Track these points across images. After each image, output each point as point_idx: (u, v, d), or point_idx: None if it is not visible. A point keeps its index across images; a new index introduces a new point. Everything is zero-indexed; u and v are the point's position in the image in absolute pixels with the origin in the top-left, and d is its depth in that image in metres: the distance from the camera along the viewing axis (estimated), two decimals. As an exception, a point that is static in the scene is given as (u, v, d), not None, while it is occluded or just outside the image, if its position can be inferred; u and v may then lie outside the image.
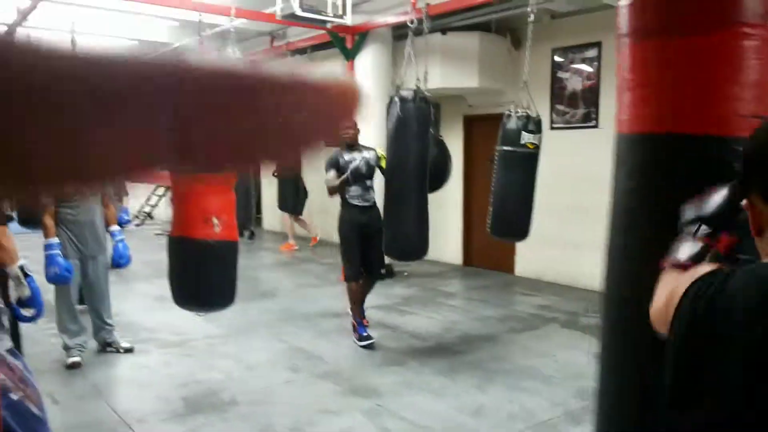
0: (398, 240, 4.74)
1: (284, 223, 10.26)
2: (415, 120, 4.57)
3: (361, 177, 4.92)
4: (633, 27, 1.54)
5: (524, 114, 4.93)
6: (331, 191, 4.95)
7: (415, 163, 4.62)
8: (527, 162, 4.97)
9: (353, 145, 4.96)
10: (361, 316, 5.06)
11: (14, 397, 0.99)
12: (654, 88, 1.51)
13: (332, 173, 4.87)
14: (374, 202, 5.04)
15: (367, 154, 4.98)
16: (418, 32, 5.46)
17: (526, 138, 4.88)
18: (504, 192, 5.01)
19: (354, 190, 4.93)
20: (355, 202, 4.96)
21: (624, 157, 1.64)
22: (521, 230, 5.09)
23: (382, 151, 4.98)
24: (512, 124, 4.94)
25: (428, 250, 4.88)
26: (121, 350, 4.65)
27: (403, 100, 4.56)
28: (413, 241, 4.77)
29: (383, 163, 4.93)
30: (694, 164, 1.49)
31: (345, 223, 5.01)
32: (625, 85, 1.59)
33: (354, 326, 5.05)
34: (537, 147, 4.97)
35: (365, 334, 4.97)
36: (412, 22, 4.95)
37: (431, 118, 4.76)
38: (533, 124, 4.92)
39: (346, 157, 4.90)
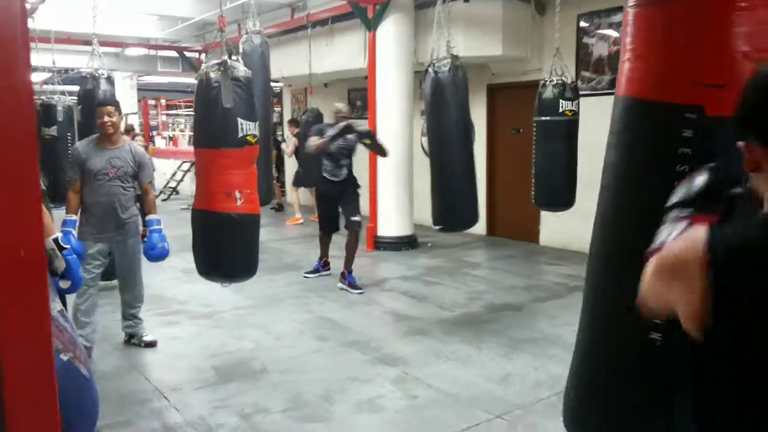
0: (448, 212, 4.73)
1: (292, 198, 10.30)
2: (455, 89, 4.47)
3: (336, 154, 5.59)
4: None
5: (560, 81, 4.87)
6: (313, 150, 5.52)
7: (457, 133, 4.54)
8: (568, 130, 4.93)
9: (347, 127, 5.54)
10: (321, 259, 6.35)
11: (64, 358, 1.03)
12: (630, 54, 1.56)
13: (315, 138, 5.53)
14: (344, 179, 5.72)
15: (351, 135, 5.54)
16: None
17: (565, 106, 4.83)
18: (546, 162, 4.97)
19: (327, 165, 5.67)
20: (327, 176, 5.72)
21: (615, 118, 1.68)
22: (566, 199, 5.08)
23: (367, 128, 5.82)
24: (548, 93, 4.88)
25: (478, 218, 4.89)
26: (143, 344, 4.34)
27: (439, 70, 4.45)
28: (460, 212, 4.74)
29: (368, 141, 5.59)
30: (645, 127, 1.54)
31: (318, 194, 6.02)
32: (622, 50, 1.64)
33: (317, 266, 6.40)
34: (576, 113, 4.92)
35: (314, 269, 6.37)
36: None
37: (467, 88, 4.68)
38: (570, 91, 4.86)
39: (331, 131, 5.51)
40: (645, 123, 1.52)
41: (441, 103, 4.53)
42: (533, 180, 5.13)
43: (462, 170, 4.63)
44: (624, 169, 1.57)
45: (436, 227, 4.89)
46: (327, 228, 6.10)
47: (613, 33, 6.87)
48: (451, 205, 4.71)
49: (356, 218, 5.81)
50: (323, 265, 6.37)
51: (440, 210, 4.73)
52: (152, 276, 6.36)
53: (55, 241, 2.29)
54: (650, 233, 1.39)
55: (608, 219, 1.68)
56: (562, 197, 5.07)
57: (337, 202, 5.84)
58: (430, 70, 4.54)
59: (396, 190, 7.65)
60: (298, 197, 10.01)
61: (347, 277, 5.83)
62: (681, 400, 1.62)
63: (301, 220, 9.85)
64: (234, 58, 3.64)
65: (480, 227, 8.63)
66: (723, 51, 1.41)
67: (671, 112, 1.45)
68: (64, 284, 2.34)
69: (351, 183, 5.82)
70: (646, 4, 1.51)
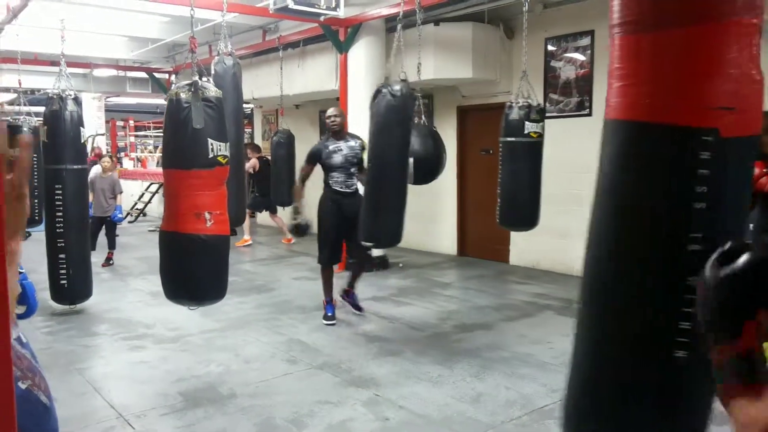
0: (374, 228, 4.73)
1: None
2: (398, 112, 4.51)
3: (346, 165, 5.16)
4: (622, 19, 1.59)
5: (526, 103, 4.93)
6: (296, 188, 5.42)
7: (397, 153, 4.58)
8: (532, 151, 4.99)
9: (339, 134, 5.21)
10: (332, 299, 5.41)
11: (22, 386, 0.99)
12: (634, 79, 1.58)
13: (306, 166, 5.28)
14: (356, 189, 5.19)
15: (352, 143, 5.19)
16: (410, 24, 5.44)
17: (530, 127, 4.89)
18: (510, 183, 5.02)
19: (337, 176, 5.17)
20: (337, 187, 5.18)
21: (606, 141, 1.69)
22: (530, 219, 5.13)
23: (365, 142, 5.10)
24: (514, 114, 4.94)
25: (401, 238, 4.88)
26: None
27: (386, 92, 4.51)
28: (388, 230, 4.74)
29: (365, 155, 5.02)
30: (663, 151, 1.56)
31: (324, 208, 5.27)
32: (613, 75, 1.64)
33: (324, 304, 5.41)
34: (541, 135, 4.99)
35: (330, 314, 5.33)
36: (400, 19, 4.90)
37: (413, 111, 4.73)
38: (536, 113, 4.92)
39: (331, 147, 5.16)
40: (662, 146, 1.56)
41: (382, 124, 4.55)
42: (498, 200, 5.18)
43: (396, 191, 4.64)
44: (639, 192, 1.60)
45: (367, 243, 4.85)
46: (330, 256, 5.31)
47: (579, 56, 7.02)
48: (385, 224, 4.71)
49: (369, 252, 5.52)
50: (334, 303, 5.45)
51: (372, 227, 4.72)
52: (118, 299, 6.26)
53: None
54: (668, 249, 1.51)
55: (620, 241, 1.68)
56: (527, 217, 5.13)
57: (348, 220, 5.08)
58: (384, 90, 4.54)
59: (367, 211, 7.66)
60: (249, 219, 9.93)
61: (351, 296, 5.60)
62: (695, 419, 1.64)
63: (250, 242, 9.77)
64: (205, 78, 3.62)
65: (450, 247, 8.69)
66: (733, 74, 1.46)
67: (688, 135, 1.50)
68: (19, 309, 2.28)
69: (358, 199, 5.08)
70: (647, 28, 1.53)
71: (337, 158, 5.15)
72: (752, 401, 0.86)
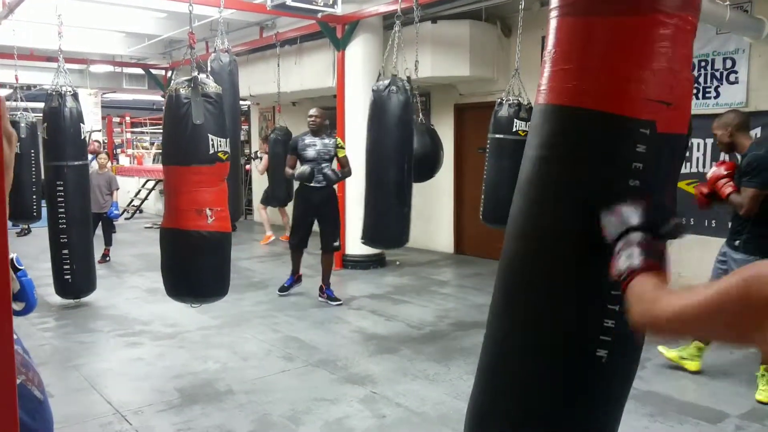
0: (375, 229, 4.77)
1: (261, 216, 10.13)
2: (396, 109, 4.52)
3: (318, 159, 5.59)
4: (562, 1, 1.56)
5: (516, 101, 4.94)
6: (286, 173, 5.89)
7: (394, 151, 4.60)
8: (519, 149, 4.97)
9: (317, 132, 5.66)
10: (294, 274, 6.16)
11: (16, 380, 1.00)
12: (572, 64, 1.49)
13: (289, 157, 5.80)
14: (326, 184, 5.61)
15: (327, 141, 5.65)
16: (408, 21, 5.45)
17: (518, 125, 4.89)
18: (496, 179, 5.04)
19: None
20: (308, 183, 5.60)
21: (536, 128, 1.63)
22: None
23: (341, 141, 5.83)
24: (504, 111, 4.95)
25: (408, 239, 4.90)
26: None
27: (383, 89, 4.52)
28: (389, 230, 4.78)
29: (340, 153, 5.57)
30: (599, 140, 1.48)
31: (296, 200, 5.84)
32: (547, 58, 1.58)
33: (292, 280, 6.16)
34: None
35: (288, 285, 6.16)
36: (398, 16, 4.91)
37: (412, 108, 4.73)
38: (525, 111, 4.93)
39: (307, 141, 5.64)
40: (597, 135, 1.47)
41: (379, 120, 4.58)
42: (482, 196, 5.18)
43: (394, 192, 4.65)
44: (567, 182, 1.52)
45: (361, 240, 4.99)
46: (298, 242, 5.92)
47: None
48: (376, 223, 4.74)
49: (337, 243, 5.85)
50: (296, 279, 6.22)
51: (366, 224, 4.78)
52: (115, 296, 6.25)
53: (10, 261, 2.22)
54: (595, 243, 1.40)
55: (544, 234, 1.60)
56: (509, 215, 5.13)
57: (317, 213, 5.71)
58: (373, 89, 4.61)
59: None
60: (267, 215, 9.90)
61: (326, 291, 5.90)
62: (610, 418, 1.63)
63: (273, 237, 9.72)
64: (204, 74, 3.61)
65: (448, 245, 8.70)
66: (669, 69, 1.44)
67: (626, 126, 1.43)
68: (17, 306, 2.27)
69: (333, 193, 5.73)
70: (589, 12, 1.48)
71: (310, 152, 5.60)
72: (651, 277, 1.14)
